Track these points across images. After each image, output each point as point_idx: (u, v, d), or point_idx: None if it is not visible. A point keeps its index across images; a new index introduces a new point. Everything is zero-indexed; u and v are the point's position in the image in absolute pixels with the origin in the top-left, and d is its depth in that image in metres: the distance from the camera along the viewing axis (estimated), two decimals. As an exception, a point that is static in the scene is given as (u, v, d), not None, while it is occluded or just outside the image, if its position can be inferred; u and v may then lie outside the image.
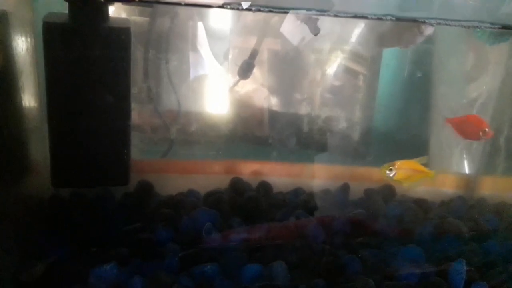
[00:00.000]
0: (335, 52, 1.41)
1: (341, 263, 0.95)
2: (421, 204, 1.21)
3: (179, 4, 0.81)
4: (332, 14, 0.82)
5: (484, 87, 1.33)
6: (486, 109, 1.35)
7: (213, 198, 1.11)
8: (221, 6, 0.80)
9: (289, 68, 1.43)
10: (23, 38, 1.00)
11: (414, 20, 0.88)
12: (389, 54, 1.40)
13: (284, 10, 0.87)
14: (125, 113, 0.99)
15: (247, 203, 1.11)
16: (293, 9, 0.82)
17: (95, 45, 0.91)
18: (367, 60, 1.42)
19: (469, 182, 1.36)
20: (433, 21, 0.82)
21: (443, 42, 1.29)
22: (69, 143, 0.99)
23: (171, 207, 1.07)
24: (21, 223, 0.97)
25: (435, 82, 1.39)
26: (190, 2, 0.88)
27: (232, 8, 0.82)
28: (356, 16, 0.81)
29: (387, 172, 0.93)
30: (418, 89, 1.39)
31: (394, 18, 0.79)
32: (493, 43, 1.07)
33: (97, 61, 0.92)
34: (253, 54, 1.25)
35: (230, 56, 1.31)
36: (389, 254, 1.00)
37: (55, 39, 0.90)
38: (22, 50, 0.98)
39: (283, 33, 0.97)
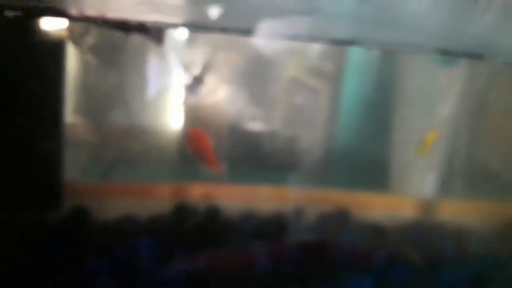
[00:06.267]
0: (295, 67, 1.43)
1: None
2: (376, 230, 1.23)
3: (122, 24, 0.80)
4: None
5: (443, 109, 1.38)
6: (445, 131, 1.40)
7: (155, 225, 1.09)
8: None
9: (247, 83, 1.44)
10: None
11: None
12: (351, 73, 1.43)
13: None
14: (56, 131, 0.97)
15: (192, 231, 1.10)
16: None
17: (19, 58, 0.89)
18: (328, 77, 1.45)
19: (428, 205, 1.40)
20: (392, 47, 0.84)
21: (402, 63, 1.33)
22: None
23: (108, 234, 1.05)
24: None
25: (396, 102, 1.43)
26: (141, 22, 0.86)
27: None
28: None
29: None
30: (379, 110, 1.43)
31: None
32: (448, 66, 1.11)
33: (24, 76, 0.90)
34: (204, 70, 1.24)
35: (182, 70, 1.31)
36: (337, 286, 1.01)
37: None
38: None
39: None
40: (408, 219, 1.33)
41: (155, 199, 1.26)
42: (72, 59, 1.15)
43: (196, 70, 1.26)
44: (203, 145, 1.05)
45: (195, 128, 1.07)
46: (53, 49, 0.89)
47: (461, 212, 1.37)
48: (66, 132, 1.00)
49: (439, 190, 1.42)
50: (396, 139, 1.45)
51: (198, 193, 1.28)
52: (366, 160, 1.39)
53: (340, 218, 1.25)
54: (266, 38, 1.06)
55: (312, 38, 0.95)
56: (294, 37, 1.05)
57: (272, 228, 1.16)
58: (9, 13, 0.72)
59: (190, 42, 1.28)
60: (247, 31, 0.94)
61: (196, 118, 1.38)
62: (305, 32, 1.03)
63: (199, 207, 1.23)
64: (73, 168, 1.12)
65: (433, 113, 1.41)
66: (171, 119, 1.32)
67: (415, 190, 1.45)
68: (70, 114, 1.14)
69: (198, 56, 1.28)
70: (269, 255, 1.08)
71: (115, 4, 0.85)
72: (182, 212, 1.18)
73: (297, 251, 1.08)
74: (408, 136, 1.45)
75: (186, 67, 1.27)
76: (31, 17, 0.80)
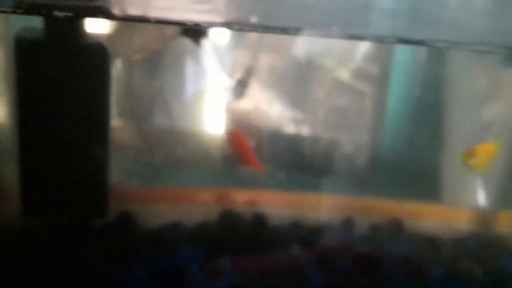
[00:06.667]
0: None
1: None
2: (432, 242, 1.16)
3: (174, 23, 0.78)
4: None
5: (500, 111, 1.30)
6: (502, 134, 1.32)
7: (200, 234, 1.07)
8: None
9: (290, 86, 1.40)
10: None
11: (421, 43, 0.86)
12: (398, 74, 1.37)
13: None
14: (103, 138, 0.97)
15: (238, 239, 1.07)
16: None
17: (71, 63, 0.88)
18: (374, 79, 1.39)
19: (486, 217, 1.31)
20: (442, 44, 0.79)
21: (455, 63, 1.26)
22: (41, 169, 0.96)
23: (151, 242, 1.03)
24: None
25: (447, 105, 1.36)
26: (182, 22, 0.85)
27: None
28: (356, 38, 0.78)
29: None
30: (429, 112, 1.36)
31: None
32: (509, 66, 1.04)
33: (73, 80, 0.90)
34: (248, 73, 1.22)
35: (226, 74, 1.29)
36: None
37: (27, 56, 0.88)
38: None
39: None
40: (465, 231, 1.26)
41: (199, 205, 1.24)
42: (119, 62, 1.15)
43: (241, 73, 1.24)
44: (242, 146, 1.05)
45: (233, 130, 1.07)
46: (99, 50, 0.88)
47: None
48: (112, 136, 0.99)
49: (497, 200, 1.33)
50: (450, 146, 1.37)
51: (242, 199, 1.25)
52: (418, 167, 1.33)
53: (393, 229, 1.19)
54: (313, 37, 1.02)
55: (378, 38, 0.89)
56: (344, 36, 0.99)
57: (321, 237, 1.12)
58: (59, 14, 0.71)
59: (235, 43, 1.25)
60: (291, 30, 0.91)
61: (240, 121, 1.36)
62: (359, 30, 0.98)
63: (243, 214, 1.20)
64: (119, 173, 1.11)
65: (490, 117, 1.33)
66: (218, 122, 1.30)
67: (470, 200, 1.37)
68: (117, 118, 1.13)
69: (243, 58, 1.25)
70: (319, 265, 1.04)
71: (165, 4, 0.83)
72: (227, 218, 1.15)
73: (349, 262, 1.03)
74: (462, 143, 1.37)
75: (231, 70, 1.25)
76: (81, 18, 0.79)
